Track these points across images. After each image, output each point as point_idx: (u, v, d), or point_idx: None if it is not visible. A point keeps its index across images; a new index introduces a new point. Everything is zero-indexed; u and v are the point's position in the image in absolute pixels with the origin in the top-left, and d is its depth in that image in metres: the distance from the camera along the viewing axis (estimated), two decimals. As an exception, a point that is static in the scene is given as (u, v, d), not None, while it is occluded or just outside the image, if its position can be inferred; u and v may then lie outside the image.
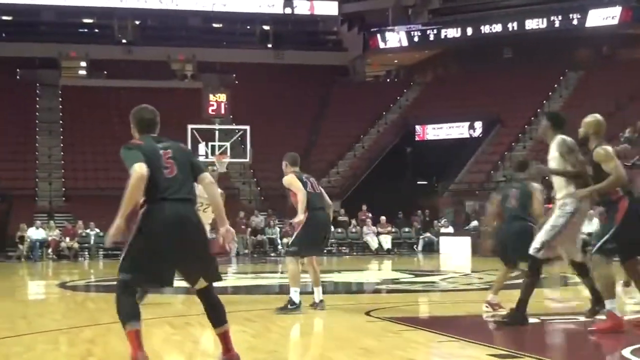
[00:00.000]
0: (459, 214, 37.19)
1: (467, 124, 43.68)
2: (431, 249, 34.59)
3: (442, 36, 48.33)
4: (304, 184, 11.44)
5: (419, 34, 49.00)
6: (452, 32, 47.93)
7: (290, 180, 11.49)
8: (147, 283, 7.44)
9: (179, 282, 7.20)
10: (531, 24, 45.70)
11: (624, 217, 8.83)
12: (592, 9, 44.34)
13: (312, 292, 11.67)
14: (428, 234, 35.56)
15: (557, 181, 9.39)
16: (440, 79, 50.16)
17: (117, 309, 6.59)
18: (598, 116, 9.46)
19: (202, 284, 6.82)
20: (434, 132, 44.89)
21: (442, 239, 34.61)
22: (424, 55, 51.31)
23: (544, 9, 46.04)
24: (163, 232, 6.52)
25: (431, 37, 48.80)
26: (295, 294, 11.19)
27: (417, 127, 45.30)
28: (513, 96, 43.33)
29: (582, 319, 9.97)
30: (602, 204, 9.24)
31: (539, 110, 43.33)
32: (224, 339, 6.97)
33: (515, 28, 46.19)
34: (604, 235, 8.91)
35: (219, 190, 7.73)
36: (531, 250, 9.41)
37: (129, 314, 6.54)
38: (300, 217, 11.19)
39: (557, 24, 45.21)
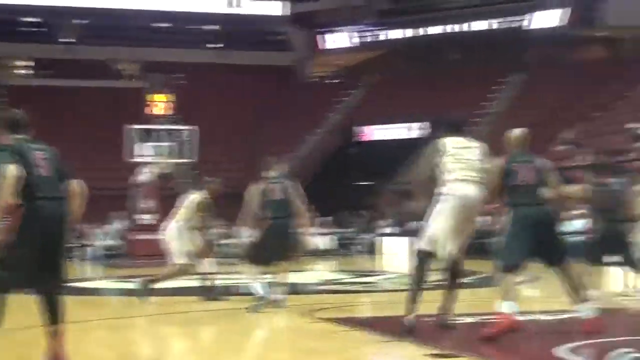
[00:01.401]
0: (402, 214, 37.34)
1: (412, 124, 43.90)
2: (373, 249, 34.71)
3: (389, 37, 48.53)
4: (270, 192, 11.81)
5: (366, 34, 49.15)
6: (398, 33, 48.14)
7: (249, 191, 11.93)
8: (21, 283, 7.03)
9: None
10: (476, 25, 46.06)
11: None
12: (536, 11, 44.79)
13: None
14: (371, 235, 35.68)
15: None
16: (385, 80, 50.28)
17: None
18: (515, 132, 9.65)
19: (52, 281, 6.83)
20: (379, 132, 45.04)
21: (384, 239, 34.75)
22: (369, 56, 51.46)
23: (489, 11, 46.39)
24: (41, 230, 6.64)
25: (378, 38, 48.97)
26: (260, 287, 11.47)
27: (362, 128, 45.43)
28: (458, 97, 43.59)
29: (520, 317, 10.10)
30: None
31: (482, 111, 43.74)
32: (58, 338, 6.81)
33: (460, 29, 46.52)
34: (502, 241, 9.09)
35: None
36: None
37: None
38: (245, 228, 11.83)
39: (502, 26, 45.61)
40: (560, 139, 35.67)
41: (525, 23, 44.94)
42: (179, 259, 12.84)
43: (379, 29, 48.87)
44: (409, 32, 47.60)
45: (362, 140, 44.87)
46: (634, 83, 38.02)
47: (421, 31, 47.22)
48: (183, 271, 13.09)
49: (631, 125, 31.52)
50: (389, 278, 20.08)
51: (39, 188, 6.70)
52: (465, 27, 46.27)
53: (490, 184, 9.17)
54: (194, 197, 13.34)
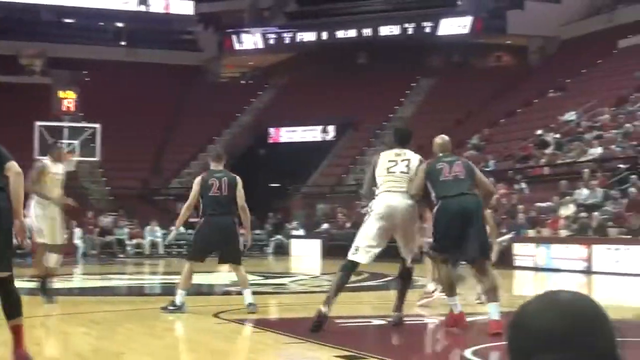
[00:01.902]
0: (310, 216, 37.44)
1: (320, 127, 44.04)
2: (282, 251, 34.69)
3: (298, 39, 48.53)
4: (209, 187, 11.17)
5: (275, 36, 49.08)
6: (308, 36, 48.19)
7: (193, 184, 11.46)
8: None
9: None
10: (385, 30, 46.36)
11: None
12: (444, 18, 45.32)
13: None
14: (279, 236, 35.65)
15: None
16: (295, 82, 50.36)
17: None
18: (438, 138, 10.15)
19: (2, 273, 6.60)
20: (287, 134, 45.06)
21: (293, 241, 34.76)
22: (279, 58, 51.45)
23: (397, 16, 46.78)
24: None
25: (287, 40, 48.93)
26: (179, 296, 11.05)
27: (271, 130, 45.40)
28: (366, 101, 43.89)
29: (427, 320, 10.14)
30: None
31: (390, 115, 44.06)
32: (17, 333, 6.70)
33: (370, 34, 46.77)
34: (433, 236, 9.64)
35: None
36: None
37: None
38: (177, 223, 11.38)
39: (410, 31, 45.99)
40: (468, 144, 36.13)
41: (434, 29, 45.39)
42: (39, 237, 12.06)
43: (288, 31, 48.84)
44: (319, 35, 47.66)
45: (272, 141, 44.81)
46: (542, 90, 38.71)
47: (331, 34, 47.31)
48: (48, 249, 12.19)
49: (539, 132, 32.09)
50: (297, 280, 20.02)
51: None
52: (375, 31, 46.52)
53: (417, 187, 9.48)
54: (38, 165, 12.36)
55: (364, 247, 9.60)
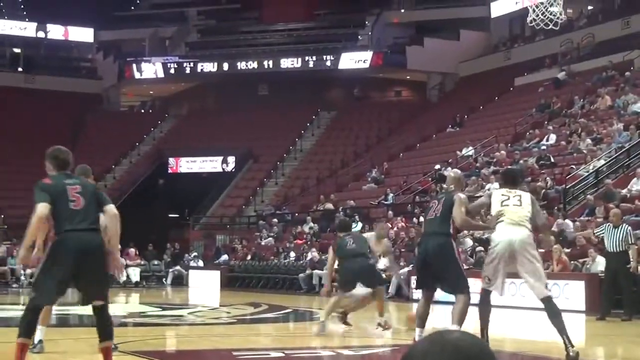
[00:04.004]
0: (209, 247, 37.16)
1: (220, 158, 43.85)
2: (180, 282, 34.30)
3: (199, 70, 48.31)
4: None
5: (175, 66, 48.74)
6: (209, 66, 48.02)
7: None
8: (48, 301, 8.15)
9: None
10: (286, 62, 46.52)
11: None
12: (344, 52, 45.72)
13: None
14: (178, 267, 35.27)
15: None
16: (195, 112, 50.15)
17: (21, 320, 7.56)
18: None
19: (97, 302, 7.54)
20: (187, 164, 44.74)
21: (191, 272, 34.42)
22: (180, 88, 51.21)
23: (298, 49, 47.03)
24: (68, 258, 7.30)
25: (187, 70, 48.64)
26: (40, 332, 10.40)
27: (171, 160, 45.03)
28: (267, 132, 43.91)
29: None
30: None
31: (291, 147, 44.16)
32: (106, 355, 7.68)
33: (271, 66, 46.87)
34: None
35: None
36: None
37: (26, 329, 7.51)
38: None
39: (311, 64, 46.23)
40: (367, 178, 36.39)
41: (335, 63, 45.71)
42: None
43: (189, 61, 48.60)
44: (220, 66, 47.54)
45: (172, 171, 44.43)
46: (440, 125, 39.27)
47: (232, 65, 47.24)
48: None
49: (437, 166, 32.49)
50: (195, 311, 19.79)
51: (68, 220, 7.39)
52: (276, 63, 46.64)
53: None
54: None
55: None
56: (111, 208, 7.66)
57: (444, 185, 11.40)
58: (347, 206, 32.50)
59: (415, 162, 36.05)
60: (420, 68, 45.93)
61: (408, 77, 48.07)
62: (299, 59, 46.31)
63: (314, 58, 46.08)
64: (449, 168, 31.69)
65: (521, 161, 28.51)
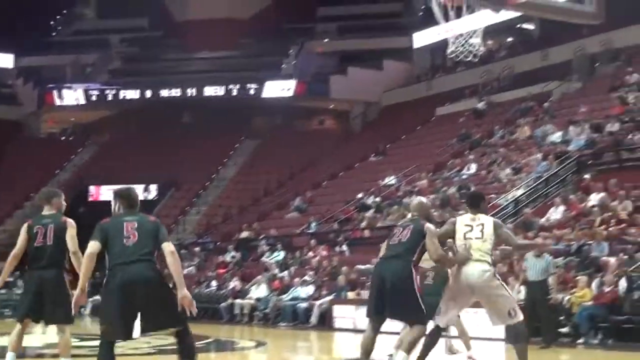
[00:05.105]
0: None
1: (142, 186, 43.38)
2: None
3: (121, 97, 47.83)
4: (35, 234, 9.90)
5: (97, 93, 48.22)
6: (131, 94, 47.59)
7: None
8: (117, 335, 8.03)
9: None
10: (210, 90, 46.36)
11: None
12: (268, 80, 45.74)
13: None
14: (98, 297, 34.66)
15: None
16: (117, 139, 49.63)
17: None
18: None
19: (172, 329, 7.87)
20: (108, 193, 44.14)
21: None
22: (101, 115, 50.63)
23: (222, 77, 46.88)
24: (119, 291, 7.63)
25: (109, 97, 48.12)
26: (9, 358, 9.95)
27: (91, 188, 44.45)
28: (189, 160, 43.65)
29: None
30: None
31: (214, 175, 43.98)
32: None
33: (194, 94, 46.65)
34: None
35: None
36: None
37: None
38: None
39: (234, 93, 46.15)
40: (290, 206, 36.35)
41: (258, 91, 45.71)
42: None
43: (111, 88, 48.13)
44: (142, 93, 47.16)
45: (92, 199, 43.85)
46: (363, 155, 39.46)
47: (155, 93, 46.91)
48: None
49: (360, 195, 32.61)
50: (122, 344, 19.40)
51: (119, 256, 7.74)
52: (199, 91, 46.45)
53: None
54: None
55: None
56: (168, 245, 7.88)
57: (407, 213, 11.28)
58: (270, 235, 32.43)
59: (339, 190, 36.12)
60: (343, 97, 46.18)
61: (331, 106, 48.30)
62: (223, 87, 46.20)
63: (238, 86, 46.01)
64: (372, 197, 31.88)
65: (443, 189, 28.75)
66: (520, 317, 9.62)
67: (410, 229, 9.83)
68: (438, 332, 9.80)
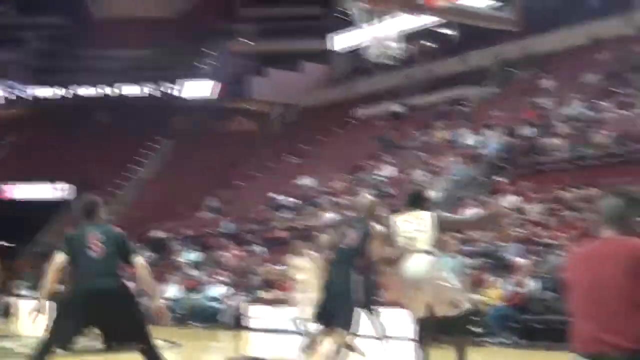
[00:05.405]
0: (40, 276, 36.00)
1: (56, 185, 42.75)
2: (8, 312, 33.04)
3: (36, 95, 47.06)
4: None
5: (11, 90, 47.34)
6: (46, 92, 46.83)
7: None
8: (58, 343, 7.81)
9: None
10: (127, 89, 45.86)
11: None
12: (187, 80, 45.42)
13: None
14: (6, 296, 33.99)
15: None
16: (30, 138, 48.70)
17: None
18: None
19: (136, 345, 7.68)
20: (20, 192, 43.44)
21: (21, 302, 33.23)
22: (14, 113, 49.67)
23: (141, 76, 46.42)
24: (82, 303, 7.55)
25: (23, 96, 47.30)
26: None
27: (3, 187, 43.63)
28: (105, 160, 43.08)
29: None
30: None
31: (130, 175, 43.48)
32: None
33: (111, 93, 46.09)
34: None
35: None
36: None
37: None
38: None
39: (153, 92, 45.74)
40: (205, 206, 36.13)
41: (176, 91, 45.37)
42: None
43: (26, 86, 47.31)
44: (57, 92, 46.45)
45: (3, 198, 43.03)
46: (281, 156, 39.35)
47: (70, 91, 46.23)
48: None
49: (276, 196, 32.53)
50: (25, 343, 19.02)
51: (85, 268, 7.68)
52: (116, 90, 45.92)
53: None
54: None
55: None
56: (139, 259, 7.89)
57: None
58: (185, 235, 32.20)
59: (255, 191, 35.97)
60: (262, 98, 46.08)
61: (250, 107, 48.12)
62: (141, 86, 45.77)
63: (156, 86, 45.63)
64: (288, 198, 31.82)
65: (358, 192, 28.80)
66: (466, 306, 9.52)
67: (359, 231, 9.85)
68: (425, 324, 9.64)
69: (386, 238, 9.63)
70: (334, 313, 9.72)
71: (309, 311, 13.76)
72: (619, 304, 4.50)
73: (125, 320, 7.64)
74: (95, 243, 7.71)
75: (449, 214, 10.15)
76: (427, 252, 9.32)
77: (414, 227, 9.43)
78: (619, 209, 4.74)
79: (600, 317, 4.55)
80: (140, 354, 7.70)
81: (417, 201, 9.78)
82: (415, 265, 9.27)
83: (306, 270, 13.74)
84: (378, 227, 9.75)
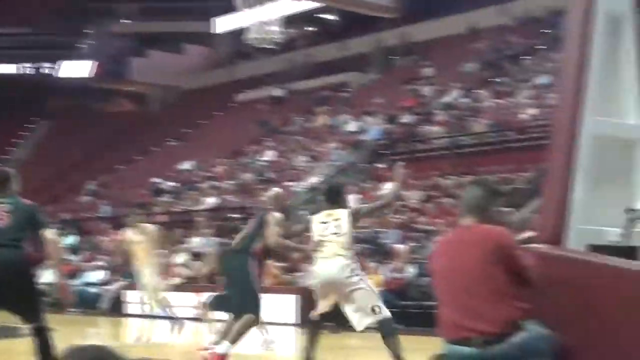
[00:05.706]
0: None
1: None
2: None
3: None
4: None
5: None
6: None
7: None
8: None
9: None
10: (1, 68, 44.71)
11: None
12: (64, 60, 44.54)
13: None
14: None
15: None
16: None
17: None
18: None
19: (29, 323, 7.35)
20: None
21: None
22: None
23: (14, 54, 45.31)
24: None
25: None
26: None
27: None
28: (-21, 141, 42.00)
29: None
30: None
31: (6, 157, 42.40)
32: None
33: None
34: None
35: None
36: None
37: None
38: None
39: (28, 71, 44.72)
40: (84, 190, 35.55)
41: (54, 71, 44.46)
42: None
43: None
44: None
45: None
46: (161, 139, 38.93)
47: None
48: None
49: (155, 179, 32.21)
50: None
51: None
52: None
53: None
54: None
55: None
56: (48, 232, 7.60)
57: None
58: (62, 218, 31.58)
59: (134, 174, 35.55)
60: (142, 80, 45.51)
61: (130, 89, 47.48)
62: (15, 65, 44.70)
63: (31, 65, 44.63)
64: (168, 181, 31.55)
65: (241, 176, 28.78)
66: (385, 313, 9.10)
67: (256, 221, 9.91)
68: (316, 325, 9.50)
69: (282, 225, 9.68)
70: (237, 300, 9.74)
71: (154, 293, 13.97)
72: (481, 290, 4.62)
73: (20, 296, 7.41)
74: (1, 213, 7.46)
75: (365, 205, 10.23)
76: (342, 256, 9.01)
77: (331, 230, 9.12)
78: (479, 198, 4.92)
79: (461, 303, 4.67)
80: (32, 334, 7.46)
81: (333, 197, 9.49)
82: (327, 269, 9.01)
83: (139, 242, 13.73)
84: (277, 215, 9.71)
